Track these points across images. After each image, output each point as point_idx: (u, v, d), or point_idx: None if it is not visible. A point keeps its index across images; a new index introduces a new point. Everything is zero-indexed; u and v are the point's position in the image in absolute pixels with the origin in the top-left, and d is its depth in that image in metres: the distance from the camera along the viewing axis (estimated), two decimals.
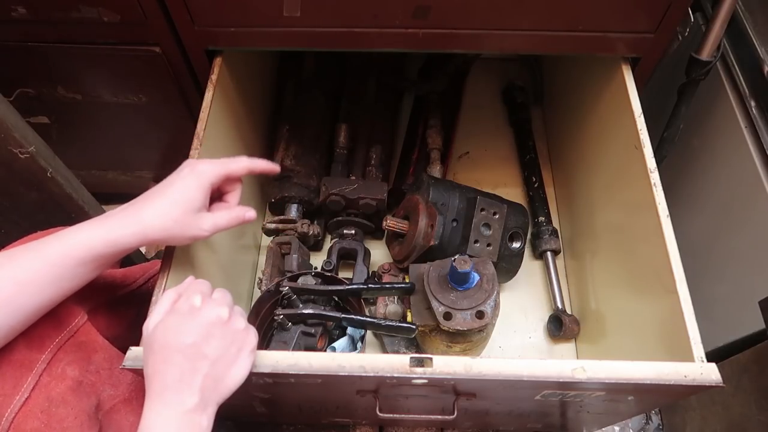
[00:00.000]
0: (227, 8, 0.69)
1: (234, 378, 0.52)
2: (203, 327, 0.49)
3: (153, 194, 0.55)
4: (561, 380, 0.54)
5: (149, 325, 0.51)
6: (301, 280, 0.85)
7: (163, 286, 0.58)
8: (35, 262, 0.50)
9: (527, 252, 1.01)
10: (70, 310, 0.56)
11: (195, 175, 0.56)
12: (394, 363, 0.54)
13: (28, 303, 0.50)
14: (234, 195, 0.63)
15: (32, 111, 0.90)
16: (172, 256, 0.61)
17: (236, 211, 0.60)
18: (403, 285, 0.79)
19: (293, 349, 0.78)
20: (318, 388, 0.61)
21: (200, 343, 0.49)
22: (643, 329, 0.70)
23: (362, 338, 0.89)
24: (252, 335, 0.54)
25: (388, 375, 0.54)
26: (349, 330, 0.89)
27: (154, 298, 0.57)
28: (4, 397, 0.49)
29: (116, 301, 0.64)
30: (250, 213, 0.61)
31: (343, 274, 0.94)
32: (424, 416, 0.73)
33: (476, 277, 0.74)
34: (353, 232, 0.97)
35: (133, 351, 0.53)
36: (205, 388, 0.49)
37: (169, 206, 0.54)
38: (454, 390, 0.61)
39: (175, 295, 0.53)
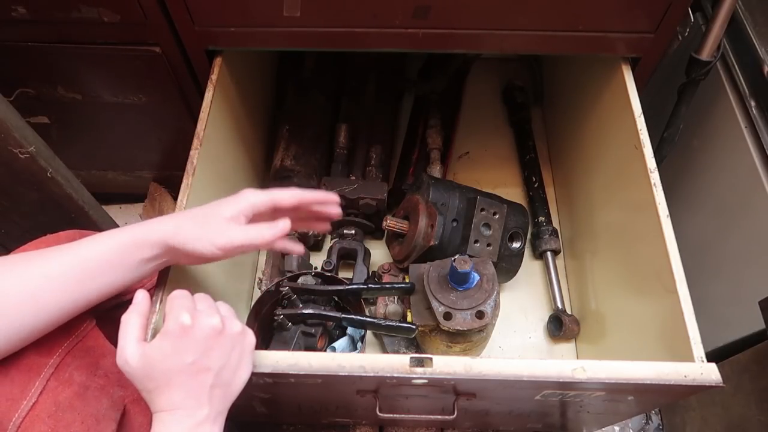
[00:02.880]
0: (227, 8, 0.69)
1: (240, 381, 0.52)
2: (200, 343, 0.49)
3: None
4: (561, 380, 0.54)
5: (128, 357, 0.49)
6: (301, 280, 0.85)
7: (163, 286, 0.58)
8: (66, 257, 0.51)
9: (527, 252, 1.01)
10: (77, 315, 0.56)
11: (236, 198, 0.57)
12: (394, 363, 0.54)
13: (52, 301, 0.50)
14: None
15: (32, 111, 0.90)
16: None
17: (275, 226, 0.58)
18: (403, 285, 0.79)
19: (293, 349, 0.78)
20: (318, 388, 0.61)
21: (201, 359, 0.48)
22: (643, 329, 0.70)
23: (362, 338, 0.89)
24: (250, 335, 0.54)
25: (388, 375, 0.54)
26: (349, 330, 0.89)
27: (155, 298, 0.58)
28: (11, 402, 0.49)
29: (124, 305, 0.64)
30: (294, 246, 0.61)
31: (343, 274, 0.94)
32: (424, 416, 0.73)
33: (476, 277, 0.74)
34: (353, 232, 0.97)
35: None
36: (213, 399, 0.49)
37: (200, 211, 0.56)
38: (454, 390, 0.61)
39: (138, 318, 0.52)
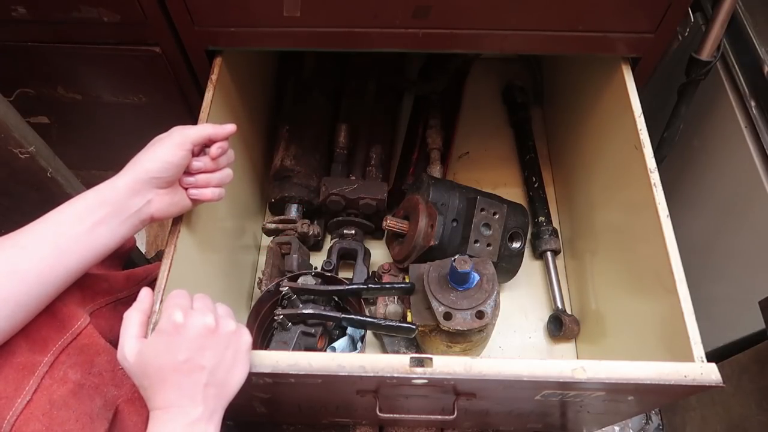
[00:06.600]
0: (227, 8, 0.69)
1: (235, 380, 0.52)
2: (193, 341, 0.49)
3: None
4: (561, 380, 0.54)
5: (126, 353, 0.50)
6: (301, 280, 0.85)
7: (162, 286, 0.58)
8: (37, 226, 0.52)
9: (527, 252, 1.01)
10: (72, 313, 0.56)
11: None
12: (394, 363, 0.54)
13: (31, 271, 0.50)
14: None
15: (32, 111, 0.90)
16: (171, 256, 0.61)
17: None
18: (403, 285, 0.79)
19: (293, 349, 0.78)
20: (318, 388, 0.61)
21: (194, 357, 0.49)
22: (643, 329, 0.70)
23: (362, 338, 0.89)
24: (245, 334, 0.53)
25: (388, 375, 0.54)
26: (349, 330, 0.89)
27: (154, 297, 0.58)
28: (6, 400, 0.49)
29: (119, 303, 0.64)
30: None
31: (343, 274, 0.94)
32: (424, 416, 0.73)
33: (476, 277, 0.74)
34: (353, 232, 0.97)
35: None
36: (208, 397, 0.49)
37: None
38: (454, 390, 0.61)
39: (139, 314, 0.53)
